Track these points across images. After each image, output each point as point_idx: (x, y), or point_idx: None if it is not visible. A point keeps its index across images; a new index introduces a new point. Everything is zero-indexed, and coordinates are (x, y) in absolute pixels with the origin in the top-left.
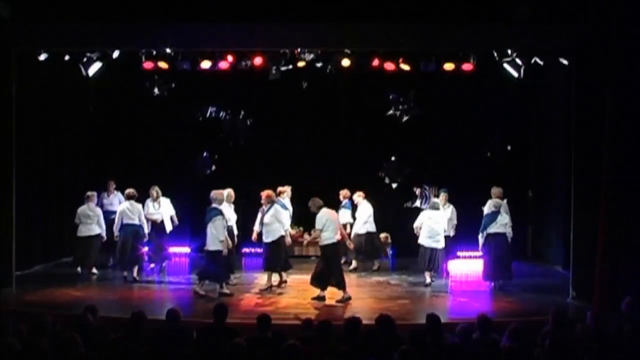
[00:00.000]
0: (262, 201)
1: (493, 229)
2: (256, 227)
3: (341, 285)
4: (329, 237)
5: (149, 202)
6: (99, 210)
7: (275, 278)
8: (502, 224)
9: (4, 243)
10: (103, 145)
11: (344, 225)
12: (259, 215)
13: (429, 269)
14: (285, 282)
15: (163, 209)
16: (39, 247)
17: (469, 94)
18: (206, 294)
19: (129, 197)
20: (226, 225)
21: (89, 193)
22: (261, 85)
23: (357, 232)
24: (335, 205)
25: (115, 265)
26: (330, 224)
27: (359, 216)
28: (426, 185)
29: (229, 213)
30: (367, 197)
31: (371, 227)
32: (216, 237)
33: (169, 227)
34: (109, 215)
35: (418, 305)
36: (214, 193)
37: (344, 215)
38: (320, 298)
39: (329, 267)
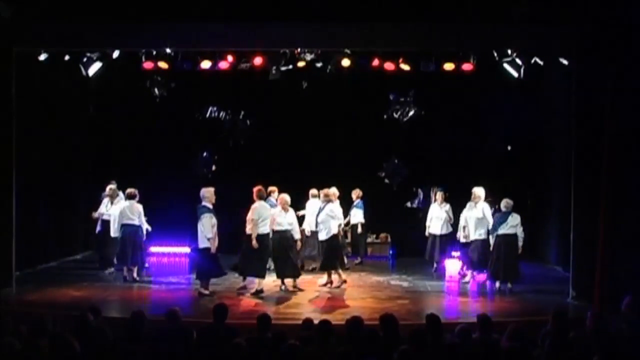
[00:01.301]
0: (321, 199)
1: (504, 229)
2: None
3: (261, 275)
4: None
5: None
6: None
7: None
8: (513, 225)
9: (4, 243)
10: (103, 145)
11: (356, 225)
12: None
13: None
14: (345, 281)
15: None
16: (39, 247)
17: (469, 94)
18: (210, 293)
19: (129, 197)
20: (215, 223)
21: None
22: (261, 85)
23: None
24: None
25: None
26: (262, 216)
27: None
28: (426, 185)
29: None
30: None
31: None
32: (204, 234)
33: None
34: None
35: (418, 305)
36: (203, 191)
37: (356, 214)
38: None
39: (254, 255)
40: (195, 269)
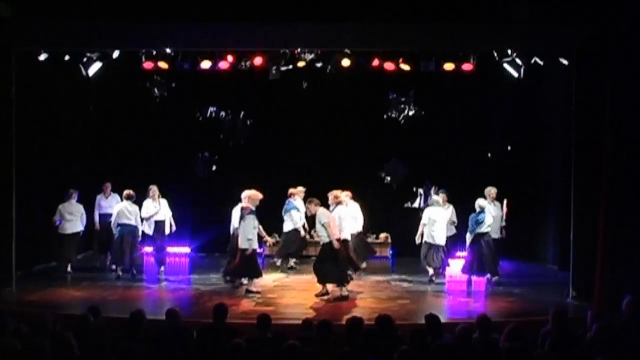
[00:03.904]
0: (330, 201)
1: (481, 228)
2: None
3: (341, 281)
4: (326, 235)
5: (149, 201)
6: (81, 207)
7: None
8: (489, 224)
9: (4, 243)
10: (103, 145)
11: None
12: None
13: (429, 264)
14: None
15: (163, 209)
16: (39, 247)
17: (469, 94)
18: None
19: (127, 198)
20: (257, 225)
21: (71, 190)
22: (261, 85)
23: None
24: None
25: (114, 264)
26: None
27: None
28: (427, 185)
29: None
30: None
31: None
32: (245, 235)
33: (168, 229)
34: (107, 218)
35: (418, 305)
36: (246, 193)
37: None
38: (323, 294)
39: (332, 263)
40: (237, 269)
